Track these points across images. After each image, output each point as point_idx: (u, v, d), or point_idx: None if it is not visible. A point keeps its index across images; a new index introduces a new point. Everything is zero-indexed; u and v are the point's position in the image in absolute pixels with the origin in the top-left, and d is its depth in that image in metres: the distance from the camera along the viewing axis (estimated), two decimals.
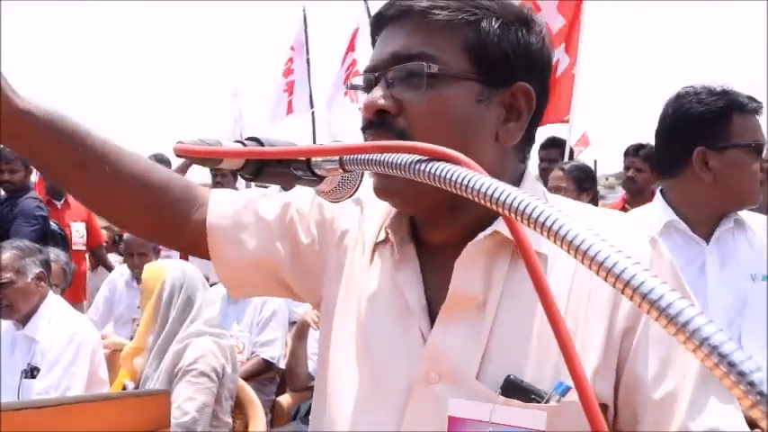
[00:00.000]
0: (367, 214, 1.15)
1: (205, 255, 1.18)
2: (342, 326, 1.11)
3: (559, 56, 5.53)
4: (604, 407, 0.98)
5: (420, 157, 0.59)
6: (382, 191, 1.01)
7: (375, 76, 1.01)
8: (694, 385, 0.96)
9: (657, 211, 2.12)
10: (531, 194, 0.49)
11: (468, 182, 0.52)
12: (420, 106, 0.96)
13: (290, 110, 8.74)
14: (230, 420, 2.94)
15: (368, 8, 7.63)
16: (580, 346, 0.95)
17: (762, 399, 0.34)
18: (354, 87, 1.07)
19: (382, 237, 1.10)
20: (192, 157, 0.71)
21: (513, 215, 0.47)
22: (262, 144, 0.75)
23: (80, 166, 1.04)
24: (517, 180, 1.07)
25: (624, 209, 4.89)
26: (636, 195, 4.89)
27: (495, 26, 0.98)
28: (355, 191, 0.86)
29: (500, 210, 0.49)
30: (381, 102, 0.97)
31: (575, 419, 0.92)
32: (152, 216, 1.15)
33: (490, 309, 0.99)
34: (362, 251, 1.12)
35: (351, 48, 7.79)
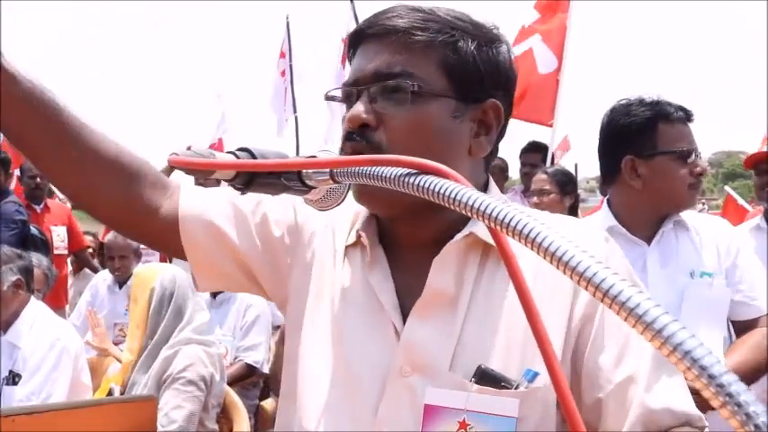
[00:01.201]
0: (335, 218, 1.18)
1: (173, 245, 1.17)
2: (313, 325, 1.14)
3: (533, 45, 5.60)
4: None
5: (409, 170, 0.61)
6: (363, 195, 1.06)
7: (356, 90, 1.06)
8: (651, 365, 1.04)
9: (601, 217, 2.27)
10: (514, 206, 0.52)
11: (455, 194, 0.55)
12: (401, 121, 1.02)
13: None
14: (215, 427, 2.94)
15: (356, 16, 7.67)
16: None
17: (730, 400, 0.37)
18: (332, 99, 1.14)
19: (353, 239, 1.14)
20: (186, 167, 0.72)
21: (496, 226, 0.50)
22: (253, 154, 0.77)
23: (55, 141, 1.03)
24: (483, 189, 1.14)
25: None
26: None
27: (472, 47, 1.05)
28: (343, 200, 0.89)
29: (484, 221, 0.52)
30: (364, 116, 1.02)
31: (542, 403, 1.01)
32: (122, 200, 1.12)
33: (462, 305, 1.05)
34: (332, 253, 1.16)
35: (343, 60, 7.78)
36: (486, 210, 0.51)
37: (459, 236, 1.06)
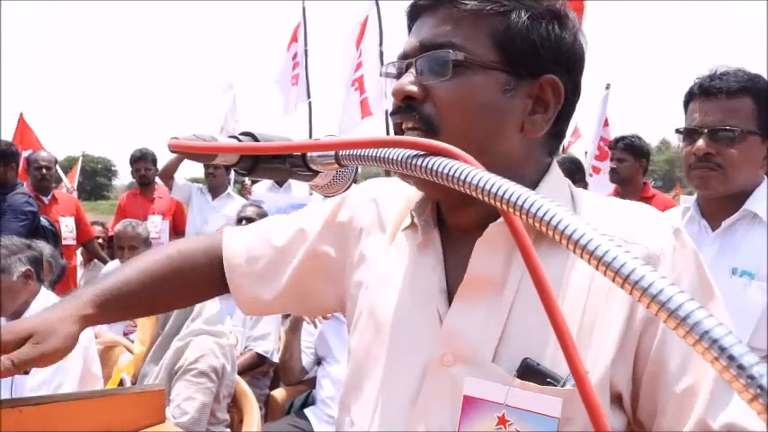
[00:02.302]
0: (385, 204, 1.18)
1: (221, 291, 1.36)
2: (364, 309, 1.14)
3: None
4: (619, 397, 0.99)
5: (416, 152, 0.59)
6: (419, 180, 1.02)
7: (405, 63, 1.03)
8: (714, 380, 0.96)
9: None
10: (527, 189, 0.49)
11: (464, 176, 0.52)
12: (445, 92, 0.98)
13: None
14: (227, 417, 2.95)
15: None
16: (598, 336, 0.96)
17: (762, 392, 0.34)
18: (387, 75, 1.10)
19: (407, 222, 1.12)
20: (186, 152, 0.70)
21: (509, 209, 0.47)
22: (256, 139, 0.75)
23: (138, 310, 1.36)
24: (542, 172, 1.08)
25: None
26: (624, 185, 4.94)
27: (525, 18, 0.99)
28: (350, 185, 0.87)
29: (497, 204, 0.49)
30: (408, 88, 0.99)
31: None
32: (198, 294, 1.42)
33: (509, 291, 1.00)
34: (384, 238, 1.16)
35: (358, 42, 7.72)
36: (497, 191, 0.48)
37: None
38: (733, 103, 1.97)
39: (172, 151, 0.72)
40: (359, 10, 7.82)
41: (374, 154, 0.62)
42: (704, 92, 2.01)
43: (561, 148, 4.21)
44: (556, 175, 1.09)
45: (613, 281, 0.41)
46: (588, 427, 0.92)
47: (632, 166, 4.86)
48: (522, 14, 0.99)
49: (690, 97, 2.07)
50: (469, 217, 1.05)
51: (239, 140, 0.73)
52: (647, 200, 4.83)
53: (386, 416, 1.05)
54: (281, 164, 0.76)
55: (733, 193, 2.02)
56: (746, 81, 1.98)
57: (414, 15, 1.08)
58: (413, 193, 1.12)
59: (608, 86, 7.08)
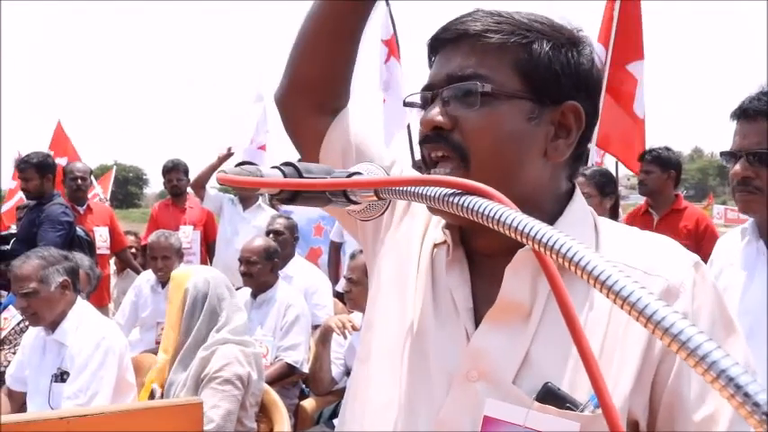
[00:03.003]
0: (427, 215, 1.22)
1: (311, 145, 1.31)
2: (389, 309, 1.17)
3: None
4: (635, 424, 1.01)
5: (453, 190, 0.62)
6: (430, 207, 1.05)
7: (431, 94, 1.07)
8: (733, 410, 0.97)
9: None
10: (558, 230, 0.53)
11: (497, 215, 0.55)
12: (474, 122, 1.02)
13: None
14: (254, 425, 2.98)
15: (391, 17, 7.69)
16: (618, 364, 0.98)
17: (766, 418, 0.37)
18: (411, 105, 1.14)
19: (441, 239, 1.15)
20: (233, 185, 0.74)
21: (542, 249, 0.51)
22: (299, 170, 0.78)
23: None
24: (565, 198, 1.11)
25: (647, 212, 4.91)
26: (654, 197, 4.91)
27: (547, 48, 1.04)
28: (384, 211, 0.89)
29: (529, 243, 0.53)
30: (438, 118, 1.03)
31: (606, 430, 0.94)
32: (326, 79, 1.28)
33: (534, 317, 1.02)
34: (419, 244, 1.19)
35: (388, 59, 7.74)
36: (531, 232, 0.51)
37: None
38: None
39: (220, 184, 0.76)
40: (376, 27, 7.84)
41: (413, 191, 0.66)
42: (744, 113, 2.01)
43: (594, 164, 4.16)
44: (579, 203, 1.12)
45: (637, 320, 0.44)
46: None
47: (659, 178, 4.82)
48: (544, 44, 1.04)
49: (734, 118, 2.05)
50: (494, 242, 1.07)
51: (282, 171, 0.77)
52: (678, 212, 4.80)
53: (410, 422, 1.07)
54: (320, 194, 0.79)
55: None
56: None
57: (435, 49, 1.12)
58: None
59: None
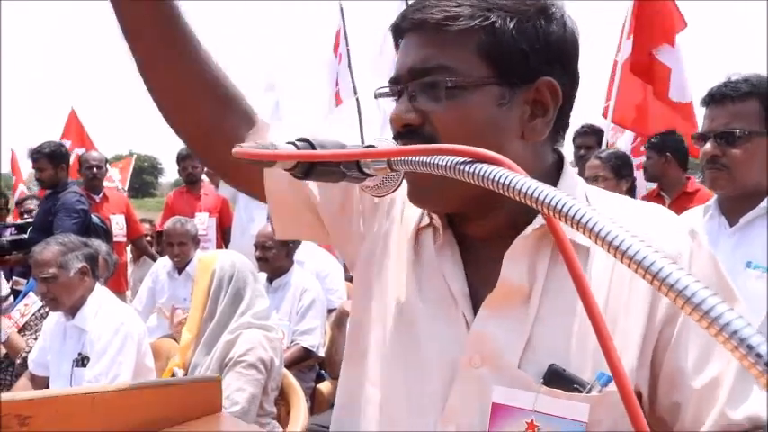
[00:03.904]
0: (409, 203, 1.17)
1: (249, 183, 1.22)
2: (381, 301, 1.14)
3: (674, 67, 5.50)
4: (638, 395, 1.01)
5: (464, 158, 0.63)
6: (413, 195, 1.04)
7: (399, 88, 1.03)
8: (735, 373, 0.98)
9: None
10: (568, 194, 0.53)
11: (509, 182, 0.56)
12: (442, 116, 0.98)
13: (338, 101, 8.88)
14: (274, 409, 3.02)
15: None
16: (621, 337, 0.98)
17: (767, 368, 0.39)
18: (382, 96, 1.09)
19: (426, 222, 1.12)
20: (249, 159, 0.76)
21: (552, 213, 0.52)
22: (312, 144, 0.79)
23: (168, 45, 1.12)
24: (553, 169, 1.08)
25: (660, 195, 4.88)
26: (660, 181, 4.88)
27: (511, 25, 0.97)
28: (398, 187, 0.90)
29: (540, 208, 0.53)
30: (405, 116, 1.00)
31: (615, 409, 0.95)
32: (212, 122, 1.17)
33: (534, 300, 1.01)
34: (406, 230, 1.15)
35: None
36: (539, 196, 0.52)
37: (530, 228, 1.01)
38: (738, 107, 2.13)
39: (236, 158, 0.77)
40: (394, 11, 7.89)
41: (425, 160, 0.67)
42: (711, 99, 2.19)
43: (606, 143, 4.12)
44: (570, 178, 1.09)
45: (643, 277, 0.45)
46: (614, 429, 0.96)
47: (658, 162, 4.76)
48: (508, 21, 0.97)
49: (704, 104, 2.24)
50: (486, 227, 1.06)
51: (297, 146, 0.78)
52: (689, 195, 4.75)
53: (415, 414, 1.05)
54: (334, 168, 0.80)
55: (749, 191, 2.16)
56: (753, 85, 2.13)
57: (398, 36, 1.07)
58: None
59: None
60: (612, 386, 0.94)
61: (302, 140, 0.80)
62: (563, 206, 0.51)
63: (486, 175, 0.58)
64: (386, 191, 0.90)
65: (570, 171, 1.10)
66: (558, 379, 0.96)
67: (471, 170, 0.60)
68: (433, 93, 0.98)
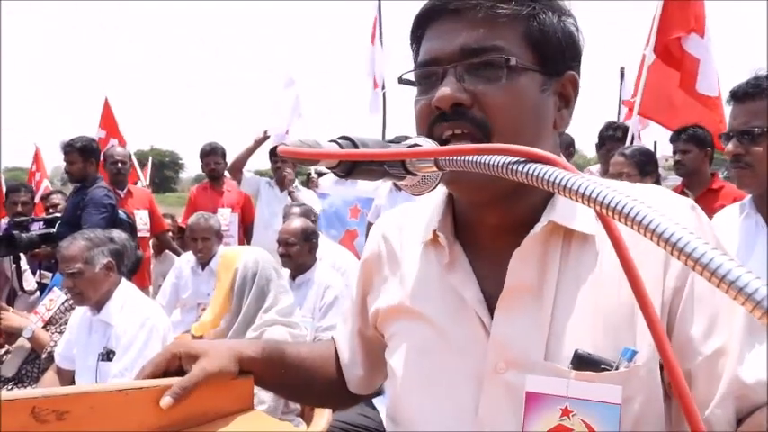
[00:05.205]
0: (405, 226, 1.24)
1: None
2: (398, 326, 1.18)
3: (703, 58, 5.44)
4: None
5: (515, 158, 0.63)
6: (452, 181, 1.04)
7: (441, 69, 1.01)
8: (741, 338, 1.01)
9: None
10: (621, 191, 0.53)
11: (565, 182, 0.56)
12: (496, 98, 0.99)
13: (375, 85, 8.90)
14: (298, 406, 3.03)
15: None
16: (640, 321, 0.99)
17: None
18: (408, 83, 1.08)
19: (429, 237, 1.14)
20: (294, 157, 0.76)
21: (607, 212, 0.52)
22: (354, 143, 0.79)
23: (282, 385, 1.34)
24: None
25: (683, 192, 4.82)
26: (691, 177, 4.82)
27: (553, 18, 1.03)
28: (436, 186, 0.90)
29: (594, 207, 0.54)
30: (458, 95, 0.98)
31: (646, 383, 0.98)
32: (326, 395, 1.41)
33: (548, 293, 1.03)
34: (408, 255, 1.20)
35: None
36: (596, 196, 0.52)
37: (537, 227, 1.03)
38: (759, 105, 2.14)
39: (282, 155, 0.77)
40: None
41: (475, 160, 0.67)
42: (735, 97, 2.21)
43: (632, 136, 4.11)
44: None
45: (665, 248, 0.48)
46: (647, 405, 0.98)
47: (697, 157, 4.72)
48: (550, 14, 1.03)
49: (728, 102, 2.26)
50: (501, 221, 1.08)
51: (340, 145, 0.78)
52: (714, 192, 4.69)
53: (451, 425, 1.07)
54: (377, 166, 0.80)
55: None
56: None
57: (429, 19, 1.05)
58: (430, 207, 1.17)
59: None
60: (638, 360, 0.97)
61: (344, 138, 0.80)
62: (617, 204, 0.52)
63: (543, 176, 0.58)
64: (424, 189, 0.89)
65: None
66: (585, 362, 0.98)
67: (526, 170, 0.60)
68: (487, 73, 1.00)
